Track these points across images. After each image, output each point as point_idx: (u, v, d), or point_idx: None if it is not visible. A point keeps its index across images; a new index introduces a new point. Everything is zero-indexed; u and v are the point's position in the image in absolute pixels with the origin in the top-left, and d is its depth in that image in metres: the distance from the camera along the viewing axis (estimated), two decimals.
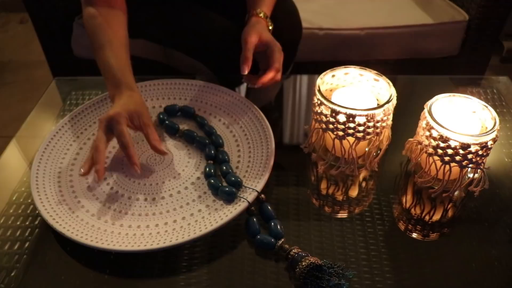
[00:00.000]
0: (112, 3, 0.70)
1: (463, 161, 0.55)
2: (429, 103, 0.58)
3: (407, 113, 0.67)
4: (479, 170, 0.57)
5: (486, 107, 0.58)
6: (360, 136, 0.58)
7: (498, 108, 0.75)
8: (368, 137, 0.59)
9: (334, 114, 0.58)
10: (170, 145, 0.66)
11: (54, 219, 0.53)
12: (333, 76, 0.65)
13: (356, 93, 0.64)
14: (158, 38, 0.92)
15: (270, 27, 0.76)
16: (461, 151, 0.54)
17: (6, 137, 1.45)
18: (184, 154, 0.65)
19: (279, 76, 0.70)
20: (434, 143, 0.56)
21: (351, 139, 0.59)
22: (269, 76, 0.68)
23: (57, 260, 0.52)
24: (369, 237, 0.54)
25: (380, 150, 0.63)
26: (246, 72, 0.67)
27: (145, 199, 0.58)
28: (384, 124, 0.59)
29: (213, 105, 0.72)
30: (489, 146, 0.55)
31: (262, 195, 0.56)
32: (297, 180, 0.63)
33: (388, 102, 0.58)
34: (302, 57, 1.04)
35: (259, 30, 0.71)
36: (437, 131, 0.55)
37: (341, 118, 0.57)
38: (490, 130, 0.54)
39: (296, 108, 0.80)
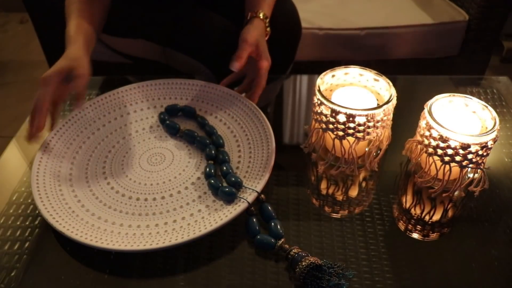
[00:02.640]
0: None
1: (463, 161, 0.55)
2: (429, 103, 0.58)
3: (407, 113, 0.67)
4: (479, 170, 0.57)
5: (486, 107, 0.58)
6: (360, 136, 0.58)
7: (498, 108, 0.75)
8: (368, 137, 0.59)
9: (334, 114, 0.58)
10: (171, 145, 0.66)
11: (54, 218, 0.53)
12: (333, 76, 0.65)
13: (356, 93, 0.64)
14: (158, 38, 0.92)
15: (268, 33, 0.76)
16: (461, 151, 0.54)
17: (6, 137, 1.45)
18: (185, 154, 0.65)
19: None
20: (434, 143, 0.56)
21: (351, 139, 0.59)
22: (258, 93, 0.69)
23: (57, 260, 0.52)
24: (369, 237, 0.54)
25: (380, 150, 0.63)
26: (237, 69, 0.67)
27: (145, 199, 0.58)
28: (384, 124, 0.59)
29: (214, 105, 0.72)
30: (489, 146, 0.55)
31: (262, 195, 0.56)
32: (297, 180, 0.63)
33: (388, 102, 0.58)
34: (302, 57, 1.05)
35: (258, 36, 0.71)
36: (437, 131, 0.55)
37: (341, 118, 0.57)
38: (490, 130, 0.54)
39: (296, 108, 0.80)
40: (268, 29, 0.76)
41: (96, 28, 0.74)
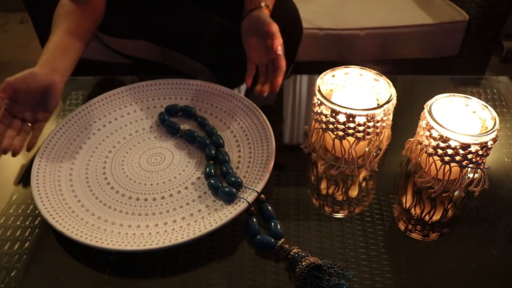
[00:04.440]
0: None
1: (463, 161, 0.55)
2: (429, 103, 0.58)
3: (407, 113, 0.67)
4: (479, 170, 0.57)
5: (486, 107, 0.58)
6: (360, 136, 0.58)
7: (498, 108, 0.75)
8: (368, 137, 0.59)
9: (334, 114, 0.58)
10: (171, 145, 0.66)
11: (54, 218, 0.53)
12: (333, 76, 0.65)
13: (356, 93, 0.64)
14: (158, 39, 0.92)
15: None
16: (461, 151, 0.54)
17: None
18: (185, 154, 0.65)
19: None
20: (434, 143, 0.56)
21: (351, 139, 0.59)
22: (282, 75, 0.67)
23: (57, 260, 0.52)
24: (369, 237, 0.54)
25: (380, 150, 0.63)
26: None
27: (145, 199, 0.58)
28: (384, 124, 0.59)
29: (214, 105, 0.72)
30: (489, 146, 0.55)
31: (262, 195, 0.56)
32: (297, 180, 0.63)
33: (388, 102, 0.58)
34: (302, 57, 1.04)
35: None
36: (437, 131, 0.55)
37: (341, 118, 0.57)
38: (490, 130, 0.54)
39: (296, 108, 0.80)
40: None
41: (84, 42, 0.73)
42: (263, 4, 0.73)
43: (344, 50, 1.21)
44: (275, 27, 0.68)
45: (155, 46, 0.94)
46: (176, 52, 0.91)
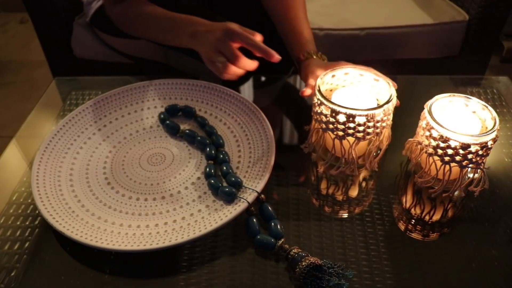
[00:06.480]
0: None
1: (463, 161, 0.55)
2: (429, 103, 0.58)
3: (407, 113, 0.67)
4: (479, 170, 0.57)
5: (486, 107, 0.58)
6: (360, 136, 0.58)
7: (498, 108, 0.75)
8: (368, 137, 0.59)
9: (334, 114, 0.58)
10: (171, 145, 0.66)
11: (54, 218, 0.53)
12: (333, 76, 0.65)
13: (356, 93, 0.64)
14: None
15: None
16: (461, 151, 0.54)
17: (6, 137, 1.45)
18: (185, 154, 0.65)
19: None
20: (434, 143, 0.56)
21: (351, 139, 0.59)
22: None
23: (57, 260, 0.52)
24: (369, 237, 0.54)
25: (380, 150, 0.63)
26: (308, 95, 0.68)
27: (145, 199, 0.58)
28: (384, 124, 0.59)
29: (214, 105, 0.72)
30: (489, 146, 0.55)
31: (262, 195, 0.56)
32: (297, 180, 0.63)
33: (388, 102, 0.58)
34: None
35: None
36: (437, 131, 0.55)
37: (341, 118, 0.57)
38: (490, 130, 0.54)
39: (296, 108, 0.80)
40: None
41: None
42: (312, 51, 0.75)
43: (344, 50, 1.21)
44: (313, 80, 0.70)
45: (157, 46, 0.94)
46: (180, 52, 0.91)
